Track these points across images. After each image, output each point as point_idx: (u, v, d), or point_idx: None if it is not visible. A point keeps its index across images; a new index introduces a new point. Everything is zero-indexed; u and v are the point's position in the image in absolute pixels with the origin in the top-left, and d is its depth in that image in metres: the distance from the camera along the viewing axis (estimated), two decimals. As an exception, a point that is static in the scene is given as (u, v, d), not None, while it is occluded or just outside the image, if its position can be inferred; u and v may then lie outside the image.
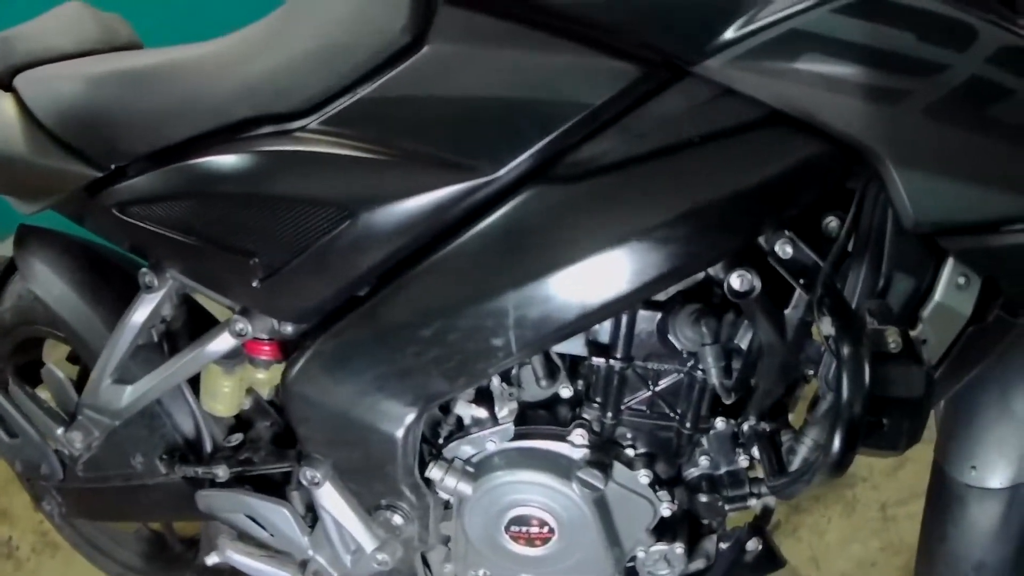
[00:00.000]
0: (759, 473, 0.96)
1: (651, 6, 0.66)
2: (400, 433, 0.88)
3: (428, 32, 0.73)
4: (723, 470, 0.97)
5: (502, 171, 0.74)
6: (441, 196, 0.77)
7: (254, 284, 0.86)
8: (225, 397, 1.00)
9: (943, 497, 0.96)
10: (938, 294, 0.75)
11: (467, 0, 0.72)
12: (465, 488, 0.92)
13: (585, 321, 0.80)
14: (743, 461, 0.95)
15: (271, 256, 0.85)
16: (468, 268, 0.79)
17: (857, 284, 0.77)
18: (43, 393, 1.12)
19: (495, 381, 0.91)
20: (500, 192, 0.76)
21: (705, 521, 1.01)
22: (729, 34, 0.64)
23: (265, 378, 1.01)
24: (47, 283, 1.10)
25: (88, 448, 1.06)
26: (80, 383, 1.07)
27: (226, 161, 0.83)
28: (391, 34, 0.74)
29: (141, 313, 0.98)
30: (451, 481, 0.92)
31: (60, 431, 1.06)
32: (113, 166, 0.89)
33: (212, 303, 1.02)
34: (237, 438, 1.06)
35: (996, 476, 0.90)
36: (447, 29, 0.73)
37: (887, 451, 0.72)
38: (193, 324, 1.05)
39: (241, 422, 1.08)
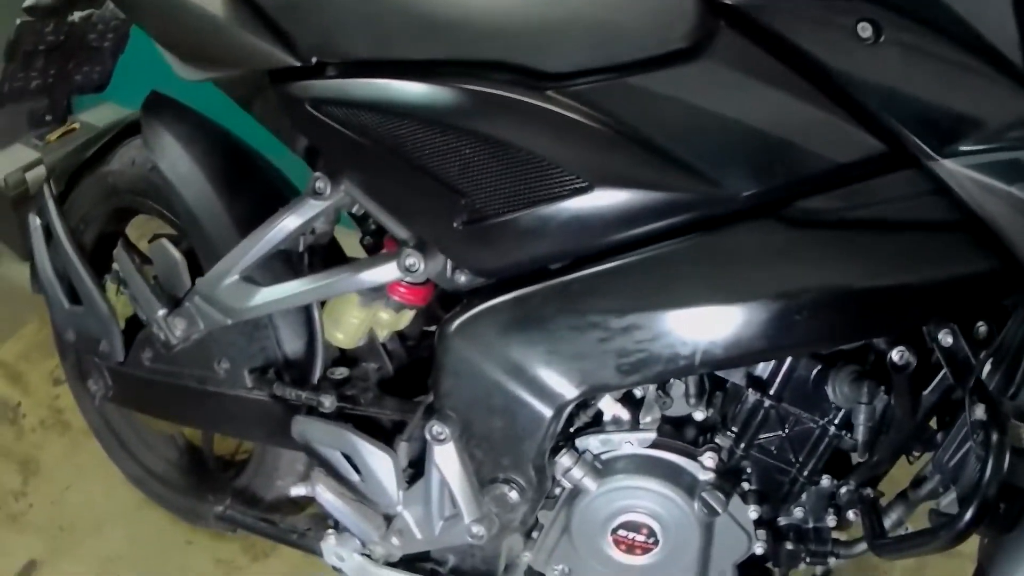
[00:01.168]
0: (841, 535, 1.01)
1: (911, 97, 0.70)
2: (550, 413, 0.86)
3: (708, 47, 0.75)
4: (811, 524, 1.00)
5: (738, 195, 0.77)
6: (677, 198, 0.78)
7: (455, 224, 0.84)
8: (352, 328, 0.97)
9: None
10: None
11: (750, 31, 0.74)
12: (590, 483, 0.91)
13: (768, 355, 0.85)
14: (831, 520, 0.98)
15: (485, 202, 0.82)
16: (678, 274, 0.81)
17: (992, 383, 0.82)
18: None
19: (651, 387, 0.91)
20: (730, 213, 0.78)
21: (777, 568, 1.04)
22: (966, 145, 0.69)
23: (390, 320, 0.98)
24: (175, 159, 1.03)
25: (186, 339, 1.00)
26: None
27: (462, 95, 0.80)
28: (673, 35, 0.75)
29: (298, 217, 0.93)
30: (578, 472, 0.91)
31: (162, 313, 0.99)
32: (315, 60, 0.85)
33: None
34: (342, 372, 1.01)
35: None
36: (727, 51, 0.75)
37: (996, 532, 0.83)
38: (331, 252, 1.00)
39: (346, 358, 1.04)
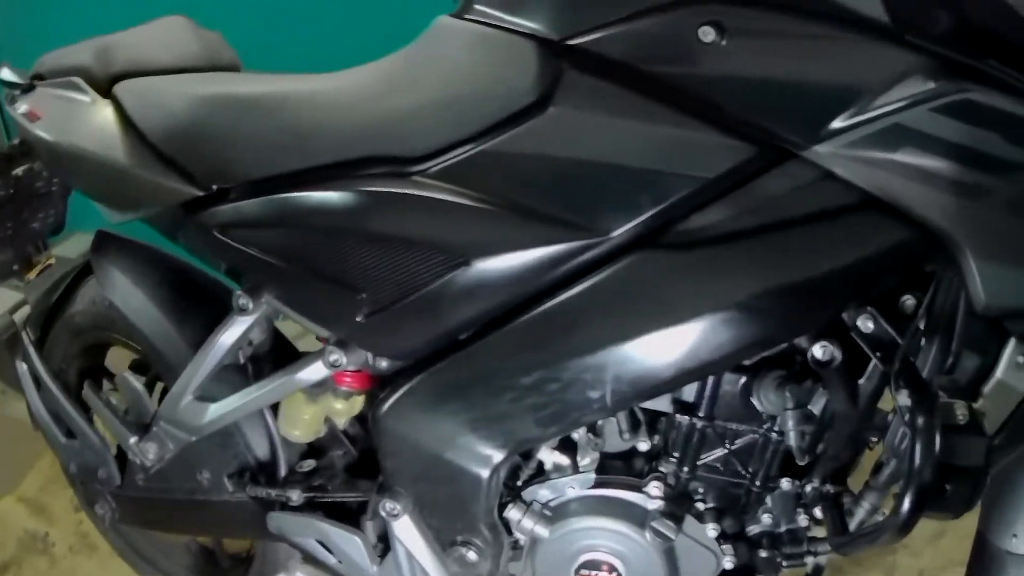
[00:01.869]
0: (816, 533, 1.01)
1: (767, 91, 0.70)
2: (486, 474, 0.90)
3: (554, 94, 0.75)
4: (783, 528, 1.00)
5: (613, 234, 0.77)
6: (553, 252, 0.79)
7: (358, 319, 0.89)
8: (305, 424, 1.02)
9: (984, 564, 0.99)
10: (999, 372, 0.80)
11: (592, 67, 0.74)
12: (541, 530, 0.95)
13: (679, 381, 0.84)
14: (803, 521, 0.98)
15: (379, 294, 0.87)
16: (573, 322, 0.82)
17: (928, 359, 0.81)
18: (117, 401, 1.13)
19: (581, 431, 0.94)
20: (609, 253, 0.78)
21: (760, 576, 1.05)
22: (838, 123, 0.68)
23: (344, 408, 1.03)
24: (125, 293, 1.11)
25: (160, 460, 1.07)
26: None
27: (342, 197, 0.85)
28: (518, 92, 0.76)
29: (232, 334, 0.99)
30: (528, 523, 0.95)
31: (134, 440, 1.07)
32: (215, 187, 0.91)
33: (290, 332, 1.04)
34: (310, 464, 1.08)
35: None
36: (573, 93, 0.75)
37: (946, 515, 0.79)
38: (278, 351, 1.07)
39: (313, 449, 1.10)
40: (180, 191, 0.92)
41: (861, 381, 0.86)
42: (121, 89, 1.00)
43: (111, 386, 1.18)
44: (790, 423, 0.88)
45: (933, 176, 0.68)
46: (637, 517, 0.95)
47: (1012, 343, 0.79)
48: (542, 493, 0.96)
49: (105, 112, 1.00)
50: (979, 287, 0.70)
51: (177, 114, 0.94)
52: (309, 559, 1.05)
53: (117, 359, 1.28)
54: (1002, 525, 0.98)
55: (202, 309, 1.08)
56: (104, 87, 1.02)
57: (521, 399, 0.86)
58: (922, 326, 0.82)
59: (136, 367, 1.25)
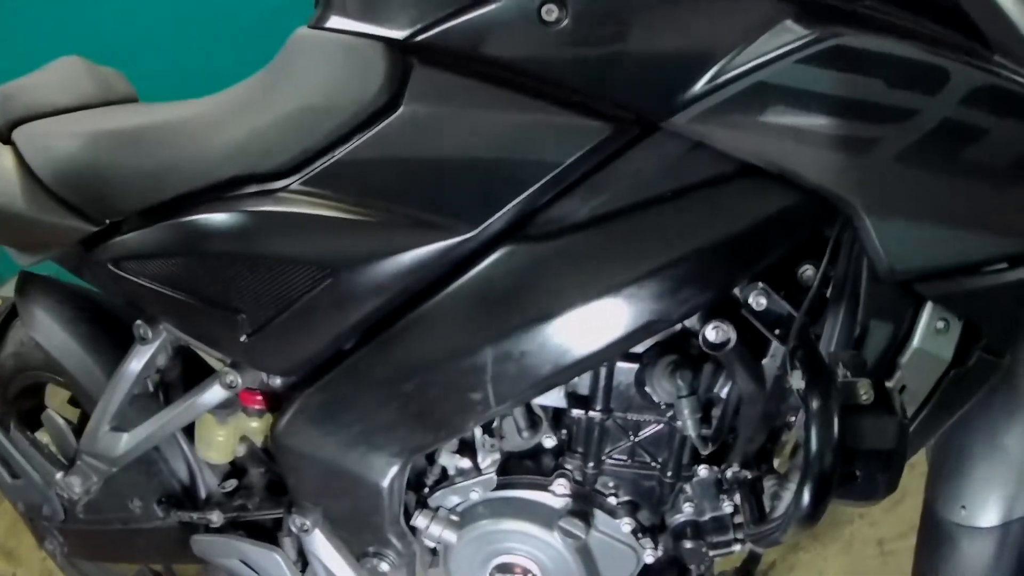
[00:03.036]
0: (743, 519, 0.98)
1: (617, 64, 0.67)
2: (385, 483, 0.90)
3: (404, 93, 0.74)
4: (708, 516, 0.97)
5: (477, 230, 0.76)
6: (419, 255, 0.78)
7: (242, 339, 0.89)
8: (219, 445, 1.03)
9: (934, 537, 0.96)
10: (916, 340, 0.75)
11: (440, 61, 0.73)
12: (450, 536, 0.94)
13: (561, 376, 0.81)
14: (727, 507, 0.96)
15: (257, 312, 0.87)
16: (446, 325, 0.81)
17: (834, 333, 0.77)
18: (44, 437, 1.15)
19: (477, 432, 0.92)
20: (476, 251, 0.77)
21: (691, 567, 1.02)
22: (697, 88, 0.64)
23: (258, 427, 1.03)
24: (48, 331, 1.12)
25: (87, 492, 1.08)
26: (81, 427, 1.10)
27: (213, 219, 0.85)
28: (368, 95, 0.75)
29: (136, 364, 1.00)
30: (436, 529, 0.94)
31: (59, 475, 1.09)
32: (108, 221, 0.92)
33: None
34: (231, 484, 1.08)
35: (986, 515, 0.90)
36: (422, 90, 0.74)
37: (862, 502, 0.72)
38: (189, 373, 1.07)
39: (236, 469, 1.11)
40: (77, 228, 0.93)
41: (765, 361, 0.83)
42: (19, 134, 1.01)
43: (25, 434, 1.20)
44: (685, 411, 0.85)
45: (810, 134, 0.64)
46: (544, 517, 0.94)
47: (928, 307, 0.74)
48: (448, 498, 0.95)
49: (4, 159, 1.01)
50: (879, 249, 0.67)
51: (65, 154, 0.95)
52: (235, 580, 1.05)
53: (60, 399, 1.30)
54: (949, 497, 0.95)
55: (115, 340, 1.09)
56: (5, 135, 1.04)
57: (407, 406, 0.85)
58: (827, 296, 0.77)
59: (74, 402, 1.28)
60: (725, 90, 0.64)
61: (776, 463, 0.95)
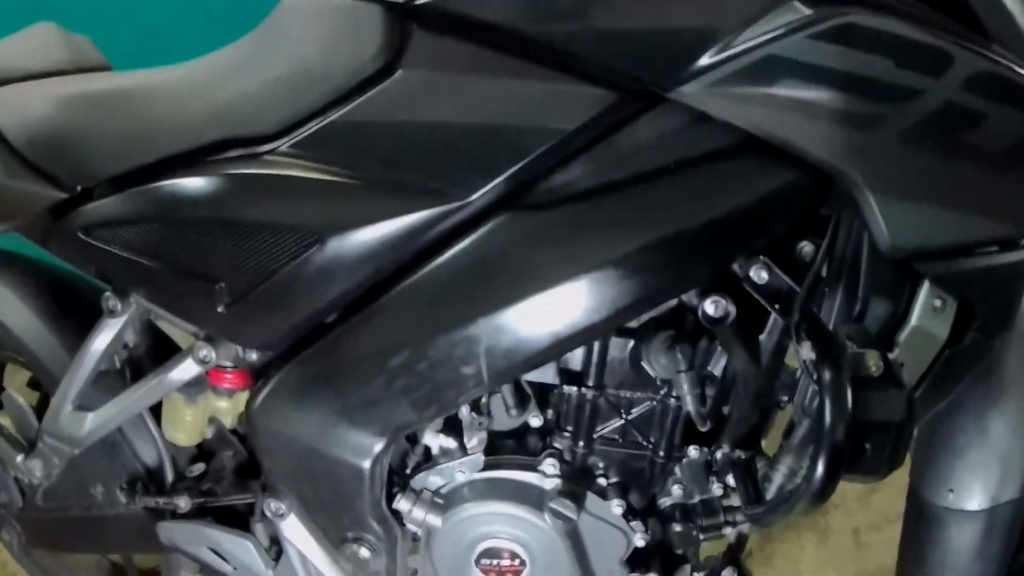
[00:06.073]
0: (733, 501, 0.96)
1: (626, 33, 0.66)
2: (367, 465, 0.86)
3: (402, 57, 0.73)
4: (697, 499, 0.96)
5: (473, 197, 0.74)
6: (411, 222, 0.76)
7: (219, 310, 0.84)
8: (187, 426, 0.98)
9: (921, 521, 0.95)
10: (914, 318, 0.75)
11: (441, 26, 0.72)
12: (434, 520, 0.90)
13: (557, 349, 0.78)
14: (717, 490, 0.94)
15: (237, 281, 0.83)
16: (439, 296, 0.78)
17: (833, 309, 0.78)
18: (3, 419, 1.09)
19: (464, 410, 0.89)
20: (471, 219, 0.75)
21: (679, 551, 0.99)
22: (705, 60, 0.64)
23: (228, 407, 0.98)
24: (10, 308, 1.07)
25: (48, 477, 1.03)
26: (41, 410, 1.05)
27: (193, 184, 0.82)
28: (364, 58, 0.74)
29: (103, 339, 0.95)
30: (419, 513, 0.90)
31: (19, 459, 1.03)
32: (79, 188, 0.87)
33: (174, 330, 1.00)
34: (199, 468, 1.03)
35: (973, 498, 0.90)
36: (421, 54, 0.72)
37: (870, 476, 0.71)
38: (156, 351, 1.03)
39: (204, 452, 1.06)
40: (46, 195, 0.88)
41: (761, 337, 0.82)
42: None
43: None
44: (685, 386, 0.84)
45: (817, 108, 0.64)
46: (534, 499, 0.91)
47: (926, 286, 0.75)
48: (432, 480, 0.92)
49: None
50: (882, 226, 0.67)
51: (37, 118, 0.91)
52: (206, 570, 1.00)
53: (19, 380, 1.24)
54: (936, 481, 0.94)
55: (80, 317, 1.04)
56: None
57: (392, 382, 0.82)
58: (824, 274, 0.77)
59: (34, 384, 1.22)
60: (736, 61, 0.64)
61: (763, 444, 0.94)
